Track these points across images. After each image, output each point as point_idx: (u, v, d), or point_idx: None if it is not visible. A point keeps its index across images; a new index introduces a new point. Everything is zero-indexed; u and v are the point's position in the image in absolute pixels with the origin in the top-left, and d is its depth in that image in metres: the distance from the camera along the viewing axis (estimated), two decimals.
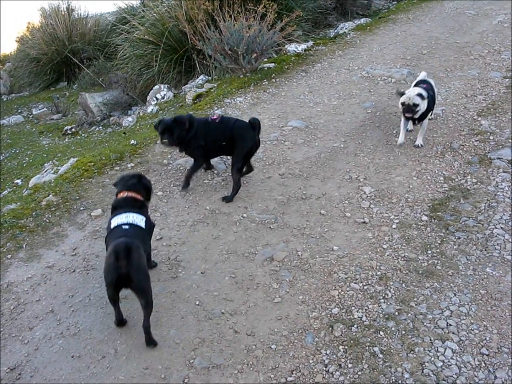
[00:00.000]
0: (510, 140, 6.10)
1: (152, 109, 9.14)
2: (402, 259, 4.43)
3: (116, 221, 3.87)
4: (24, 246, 4.91)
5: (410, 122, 6.39)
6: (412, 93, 5.80)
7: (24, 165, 8.94)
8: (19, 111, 13.83)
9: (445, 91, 7.70)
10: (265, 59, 9.77)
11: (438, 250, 4.49)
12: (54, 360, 3.68)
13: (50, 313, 4.12)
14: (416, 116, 5.87)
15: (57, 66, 15.08)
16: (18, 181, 7.84)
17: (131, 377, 3.49)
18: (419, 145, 6.18)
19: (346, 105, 7.53)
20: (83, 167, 6.20)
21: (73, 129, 10.33)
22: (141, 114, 9.30)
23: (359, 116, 7.15)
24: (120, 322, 3.88)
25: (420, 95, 5.75)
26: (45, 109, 13.01)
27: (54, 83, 15.51)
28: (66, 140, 9.91)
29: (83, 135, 9.85)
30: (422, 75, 6.54)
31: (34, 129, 11.66)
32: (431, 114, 6.36)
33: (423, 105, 5.76)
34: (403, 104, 5.85)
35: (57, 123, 11.71)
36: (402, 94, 5.91)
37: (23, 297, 4.31)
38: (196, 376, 3.48)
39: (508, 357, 3.47)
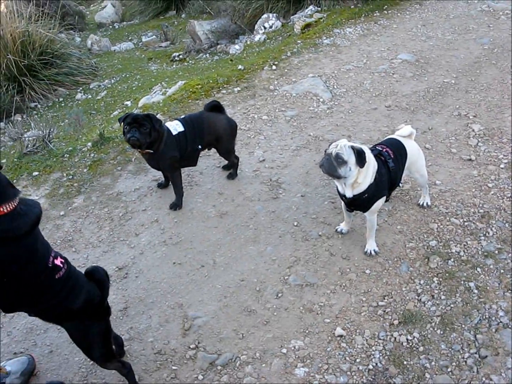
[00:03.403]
0: None
1: (260, 38, 9.10)
2: (508, 199, 4.25)
3: None
4: (133, 160, 5.19)
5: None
6: (344, 142, 3.41)
7: (134, 88, 9.25)
8: (130, 38, 14.21)
9: None
10: None
11: None
12: (157, 264, 3.94)
13: (154, 222, 4.38)
14: (342, 186, 3.55)
15: None
16: (128, 102, 8.17)
17: (227, 287, 3.67)
18: (369, 251, 3.85)
19: (461, 40, 7.13)
20: (190, 89, 6.37)
21: (180, 56, 10.52)
22: (248, 43, 9.29)
23: (474, 52, 6.76)
24: None
25: (356, 151, 3.34)
26: (154, 36, 13.27)
27: (163, 11, 15.71)
28: (174, 66, 10.13)
29: (190, 61, 10.02)
30: (401, 131, 3.94)
31: (143, 55, 11.96)
32: (388, 199, 3.87)
33: (353, 172, 3.37)
34: (325, 153, 3.47)
35: (165, 50, 11.95)
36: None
37: (130, 206, 4.60)
38: (290, 292, 3.60)
39: None
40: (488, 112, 5.42)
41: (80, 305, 2.48)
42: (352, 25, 8.00)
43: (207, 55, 10.05)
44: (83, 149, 5.50)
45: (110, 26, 16.29)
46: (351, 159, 3.32)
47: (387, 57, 6.85)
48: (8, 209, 2.14)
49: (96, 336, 2.65)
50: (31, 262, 2.27)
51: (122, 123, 4.05)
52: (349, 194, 3.51)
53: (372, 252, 3.83)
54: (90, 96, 9.28)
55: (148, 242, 4.17)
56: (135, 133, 3.93)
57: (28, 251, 2.25)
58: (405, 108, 5.62)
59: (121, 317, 3.52)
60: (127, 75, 10.30)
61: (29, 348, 3.34)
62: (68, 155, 5.42)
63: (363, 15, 8.40)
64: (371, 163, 3.45)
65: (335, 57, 7.05)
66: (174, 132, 4.19)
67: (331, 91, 6.07)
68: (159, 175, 4.83)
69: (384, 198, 3.68)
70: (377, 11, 8.48)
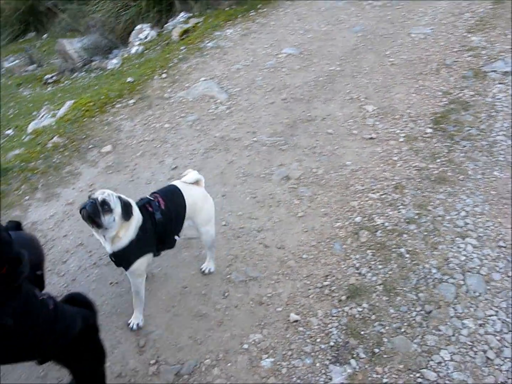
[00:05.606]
0: (502, 53, 6.21)
1: (137, 49, 8.97)
2: (414, 168, 4.58)
3: None
4: (39, 187, 4.94)
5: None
6: (110, 191, 3.01)
7: (10, 116, 8.76)
8: None
9: (432, 11, 7.75)
10: None
11: (446, 159, 4.65)
12: (93, 288, 3.79)
13: (80, 246, 4.21)
14: (102, 239, 3.09)
15: (22, 16, 14.48)
16: (9, 131, 7.72)
17: (172, 296, 3.62)
18: (132, 325, 3.45)
19: (336, 30, 7.54)
20: (83, 108, 6.18)
21: (54, 78, 10.11)
22: (125, 56, 9.13)
23: (351, 40, 7.18)
24: None
25: (123, 203, 3.01)
26: (17, 61, 12.63)
27: (21, 34, 14.96)
28: (49, 88, 9.71)
29: (66, 82, 9.65)
30: (186, 177, 3.53)
31: (10, 82, 11.34)
32: (158, 254, 3.42)
33: (117, 224, 2.97)
34: (89, 197, 2.98)
35: (34, 74, 11.41)
36: None
37: (49, 234, 4.39)
38: (235, 289, 3.63)
39: None
40: (376, 93, 5.79)
41: (80, 327, 2.35)
42: (231, 27, 8.18)
43: (83, 73, 9.74)
44: None
45: None
46: (117, 209, 2.95)
47: (272, 52, 7.09)
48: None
49: (97, 358, 2.60)
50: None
51: None
52: (109, 249, 3.11)
53: (134, 326, 3.43)
54: None
55: (78, 267, 4.00)
56: None
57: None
58: (300, 98, 5.85)
59: None
60: None
61: None
62: None
63: (239, 15, 8.61)
64: (135, 218, 3.10)
65: (222, 58, 7.18)
66: None
67: (226, 91, 6.17)
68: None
69: (149, 256, 3.30)
70: (252, 11, 8.73)
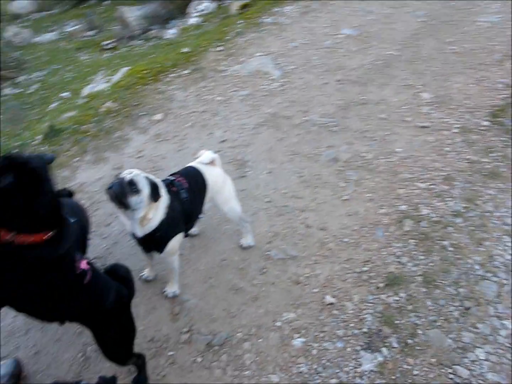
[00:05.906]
0: None
1: (195, 21, 9.00)
2: (466, 161, 4.46)
3: None
4: (89, 149, 5.03)
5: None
6: (138, 171, 2.92)
7: (68, 79, 8.92)
8: (52, 29, 13.66)
9: None
10: None
11: (501, 154, 4.50)
12: (134, 253, 3.82)
13: None
14: (130, 221, 2.98)
15: None
16: (65, 94, 7.87)
17: (210, 268, 3.65)
18: (168, 293, 3.47)
19: (398, 14, 7.37)
20: (137, 75, 6.24)
21: (112, 44, 10.24)
22: (183, 26, 9.17)
23: (412, 25, 7.00)
24: None
25: (152, 183, 2.90)
26: (78, 26, 12.82)
27: (83, 0, 15.20)
28: (106, 54, 9.84)
29: (123, 49, 9.76)
30: (201, 158, 3.47)
31: (70, 46, 11.53)
32: (187, 234, 3.38)
33: (144, 205, 2.86)
34: (116, 177, 2.92)
35: (93, 39, 11.57)
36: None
37: (96, 196, 4.46)
38: (274, 266, 3.62)
39: None
40: (434, 81, 5.64)
41: (112, 304, 2.36)
42: (291, 3, 8.12)
43: (141, 41, 9.83)
44: (33, 143, 5.28)
45: (28, 17, 15.58)
46: (145, 190, 2.85)
47: (330, 32, 7.00)
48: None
49: (125, 334, 2.60)
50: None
51: None
52: (139, 233, 3.00)
53: (170, 295, 3.46)
54: (20, 91, 8.88)
55: (121, 231, 4.05)
56: None
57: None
58: (355, 81, 5.76)
59: None
60: (57, 67, 9.92)
61: (12, 352, 3.17)
62: (17, 151, 5.18)
63: None
64: (163, 198, 3.02)
65: (279, 35, 7.13)
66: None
67: (281, 68, 6.13)
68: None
69: (181, 235, 3.23)
70: None
